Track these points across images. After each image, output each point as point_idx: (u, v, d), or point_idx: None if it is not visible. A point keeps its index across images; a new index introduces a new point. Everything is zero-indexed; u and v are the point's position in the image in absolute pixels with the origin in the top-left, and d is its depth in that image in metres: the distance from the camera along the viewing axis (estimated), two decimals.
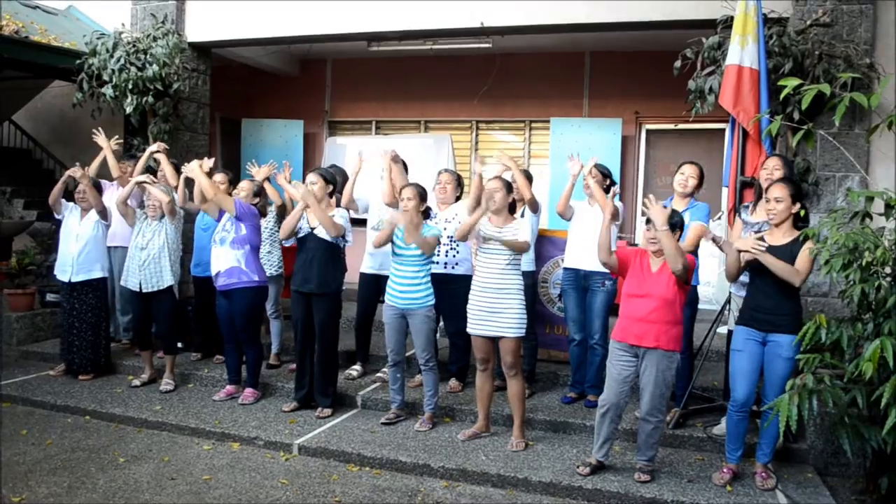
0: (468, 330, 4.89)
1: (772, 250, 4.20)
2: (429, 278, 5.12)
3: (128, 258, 6.04)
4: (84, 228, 6.20)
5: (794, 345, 4.09)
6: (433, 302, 5.13)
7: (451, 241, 5.60)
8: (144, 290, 5.94)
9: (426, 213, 5.18)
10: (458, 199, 5.79)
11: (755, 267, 4.29)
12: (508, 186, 4.88)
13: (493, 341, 4.82)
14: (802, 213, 4.27)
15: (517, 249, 4.73)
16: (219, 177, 6.34)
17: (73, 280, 6.17)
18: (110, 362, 6.50)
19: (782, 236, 4.25)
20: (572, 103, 9.04)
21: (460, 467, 4.56)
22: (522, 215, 5.63)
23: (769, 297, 4.22)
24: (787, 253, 4.16)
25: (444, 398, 5.62)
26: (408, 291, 5.06)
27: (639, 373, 4.27)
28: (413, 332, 5.13)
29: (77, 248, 6.15)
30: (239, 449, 5.00)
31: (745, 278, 4.57)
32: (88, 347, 6.26)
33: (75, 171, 6.03)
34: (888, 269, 3.78)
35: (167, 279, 5.97)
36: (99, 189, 6.29)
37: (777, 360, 4.17)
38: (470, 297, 4.85)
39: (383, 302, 5.26)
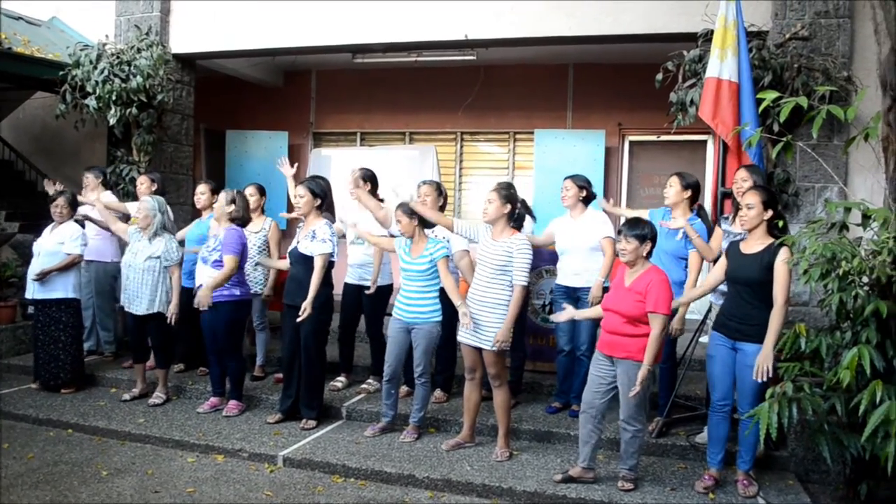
0: (458, 337, 4.90)
1: (743, 259, 4.25)
2: (437, 294, 5.06)
3: (122, 276, 5.96)
4: (47, 243, 6.11)
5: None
6: (440, 318, 5.08)
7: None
8: (135, 313, 5.86)
9: (426, 224, 5.12)
10: (442, 208, 5.78)
11: (728, 275, 4.34)
12: (506, 197, 4.77)
13: (480, 351, 4.83)
14: (781, 223, 4.33)
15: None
16: (202, 187, 6.35)
17: (35, 297, 6.11)
18: (80, 377, 6.38)
19: (755, 243, 4.28)
20: (556, 115, 9.09)
21: (445, 478, 4.56)
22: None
23: (740, 307, 4.28)
24: (758, 261, 4.21)
25: (429, 409, 5.61)
26: (415, 305, 5.05)
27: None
28: (413, 344, 5.11)
29: (39, 264, 6.06)
30: (223, 461, 4.98)
31: (724, 287, 4.62)
32: (51, 361, 6.17)
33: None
34: (865, 279, 3.84)
35: (157, 304, 5.81)
36: (76, 205, 6.28)
37: (746, 369, 4.21)
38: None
39: (389, 314, 5.25)
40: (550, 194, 5.57)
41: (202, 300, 5.39)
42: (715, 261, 4.73)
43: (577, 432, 4.64)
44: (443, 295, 5.10)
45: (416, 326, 5.06)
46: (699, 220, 5.13)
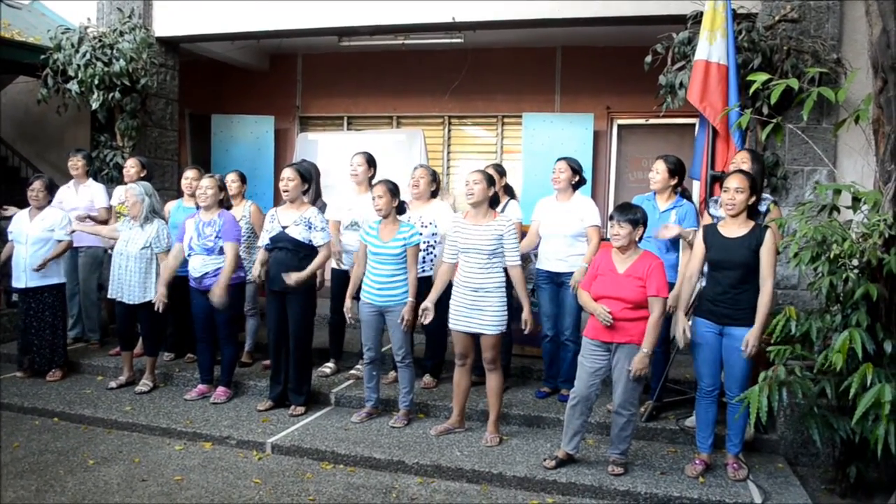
0: (449, 325, 4.87)
1: (729, 243, 4.22)
2: (405, 276, 5.04)
3: (112, 266, 5.88)
4: (34, 230, 6.01)
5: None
6: (410, 299, 5.08)
7: (426, 244, 5.58)
8: (128, 303, 5.79)
9: (400, 209, 5.15)
10: (434, 193, 5.74)
11: (713, 260, 4.31)
12: (489, 179, 4.80)
13: (474, 337, 4.80)
14: (773, 206, 4.32)
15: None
16: (191, 173, 6.27)
17: (28, 286, 6.03)
18: (68, 361, 6.36)
19: (738, 228, 4.25)
20: (544, 98, 9.05)
21: (435, 463, 4.55)
22: (504, 210, 5.61)
23: (726, 291, 4.24)
24: (745, 245, 4.18)
25: (419, 394, 5.60)
26: (385, 289, 5.01)
27: (611, 366, 4.29)
28: (390, 329, 5.09)
29: (28, 252, 5.99)
30: (211, 449, 4.95)
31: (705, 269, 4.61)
32: (46, 347, 6.12)
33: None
34: (855, 262, 3.84)
35: (150, 293, 5.74)
36: (53, 189, 6.20)
37: (734, 353, 4.21)
38: (452, 292, 4.83)
39: (358, 299, 5.21)
40: (539, 178, 5.54)
41: (220, 299, 5.34)
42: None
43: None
44: (428, 283, 5.14)
45: (389, 309, 5.03)
46: (685, 202, 5.12)
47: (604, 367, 4.32)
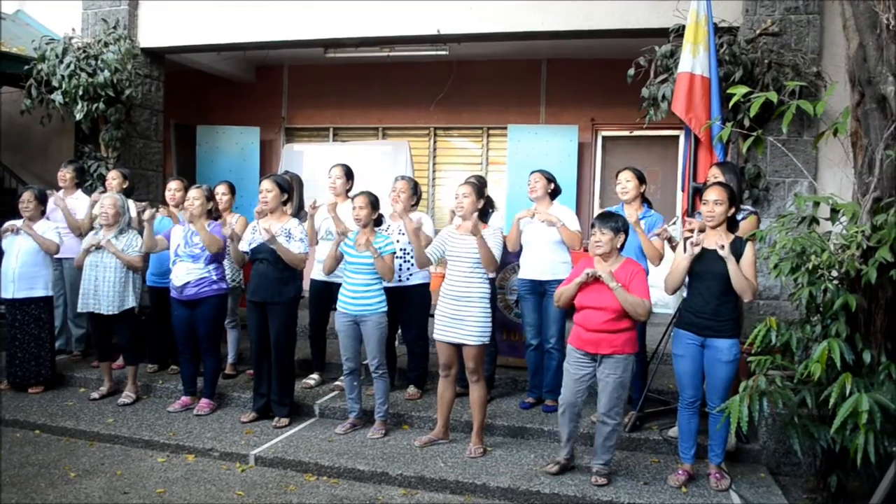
0: (434, 335, 4.88)
1: (709, 254, 4.24)
2: (381, 285, 5.09)
3: (83, 279, 5.81)
4: (25, 242, 5.98)
5: (732, 348, 4.21)
6: (385, 309, 5.10)
7: (404, 252, 5.58)
8: (106, 314, 5.75)
9: (378, 222, 5.17)
10: (415, 205, 5.74)
11: (695, 271, 4.34)
12: (479, 191, 4.83)
13: (457, 348, 4.81)
14: (751, 217, 4.36)
15: (486, 264, 4.69)
16: (174, 184, 6.26)
17: (15, 297, 5.99)
18: (56, 374, 6.31)
19: (720, 240, 4.25)
20: (529, 110, 9.11)
21: (418, 475, 4.54)
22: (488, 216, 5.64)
23: (708, 302, 4.27)
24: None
25: (403, 405, 5.60)
26: (361, 298, 5.03)
27: (596, 374, 4.31)
28: (365, 339, 5.09)
29: (17, 263, 5.96)
30: (194, 461, 4.92)
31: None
32: (31, 360, 6.07)
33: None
34: (834, 273, 3.88)
35: (129, 301, 5.77)
36: (44, 200, 6.17)
37: (717, 365, 4.24)
38: (438, 303, 4.85)
39: (335, 309, 5.22)
40: (524, 190, 5.57)
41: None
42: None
43: (550, 427, 4.64)
44: (422, 290, 5.21)
45: (364, 319, 5.04)
46: (653, 212, 5.18)
47: (589, 374, 4.34)
